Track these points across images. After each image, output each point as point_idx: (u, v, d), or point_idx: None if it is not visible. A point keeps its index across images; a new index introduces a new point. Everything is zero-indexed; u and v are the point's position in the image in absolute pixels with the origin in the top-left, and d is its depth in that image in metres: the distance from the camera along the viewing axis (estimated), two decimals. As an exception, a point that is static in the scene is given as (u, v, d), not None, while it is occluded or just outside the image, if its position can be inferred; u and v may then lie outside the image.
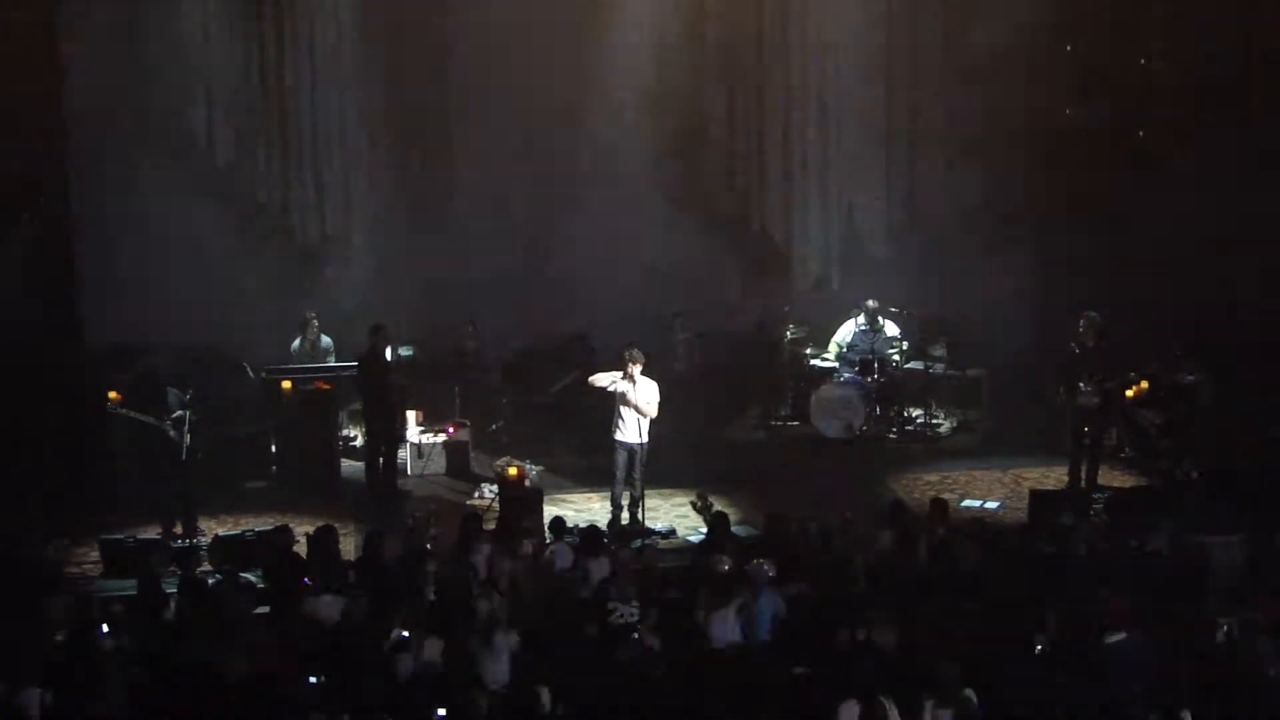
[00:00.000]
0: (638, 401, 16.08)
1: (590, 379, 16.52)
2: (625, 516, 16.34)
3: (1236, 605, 12.34)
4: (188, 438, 15.64)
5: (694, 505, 15.17)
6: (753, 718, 10.85)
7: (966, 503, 16.91)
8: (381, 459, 17.49)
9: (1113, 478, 17.40)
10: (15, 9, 18.43)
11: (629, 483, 16.32)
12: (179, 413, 15.68)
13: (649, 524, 16.15)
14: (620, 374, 16.13)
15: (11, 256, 18.41)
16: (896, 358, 19.93)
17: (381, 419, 17.46)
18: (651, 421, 16.20)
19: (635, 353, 16.15)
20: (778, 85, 22.14)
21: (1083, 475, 16.96)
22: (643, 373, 16.16)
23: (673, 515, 16.56)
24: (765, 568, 12.76)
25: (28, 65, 18.65)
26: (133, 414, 15.65)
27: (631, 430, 16.16)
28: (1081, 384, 16.74)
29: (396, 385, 17.80)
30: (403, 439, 18.28)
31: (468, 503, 17.21)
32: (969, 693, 10.68)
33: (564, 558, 13.76)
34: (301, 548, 14.18)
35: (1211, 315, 19.61)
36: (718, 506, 15.59)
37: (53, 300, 18.76)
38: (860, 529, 14.20)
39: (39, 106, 18.80)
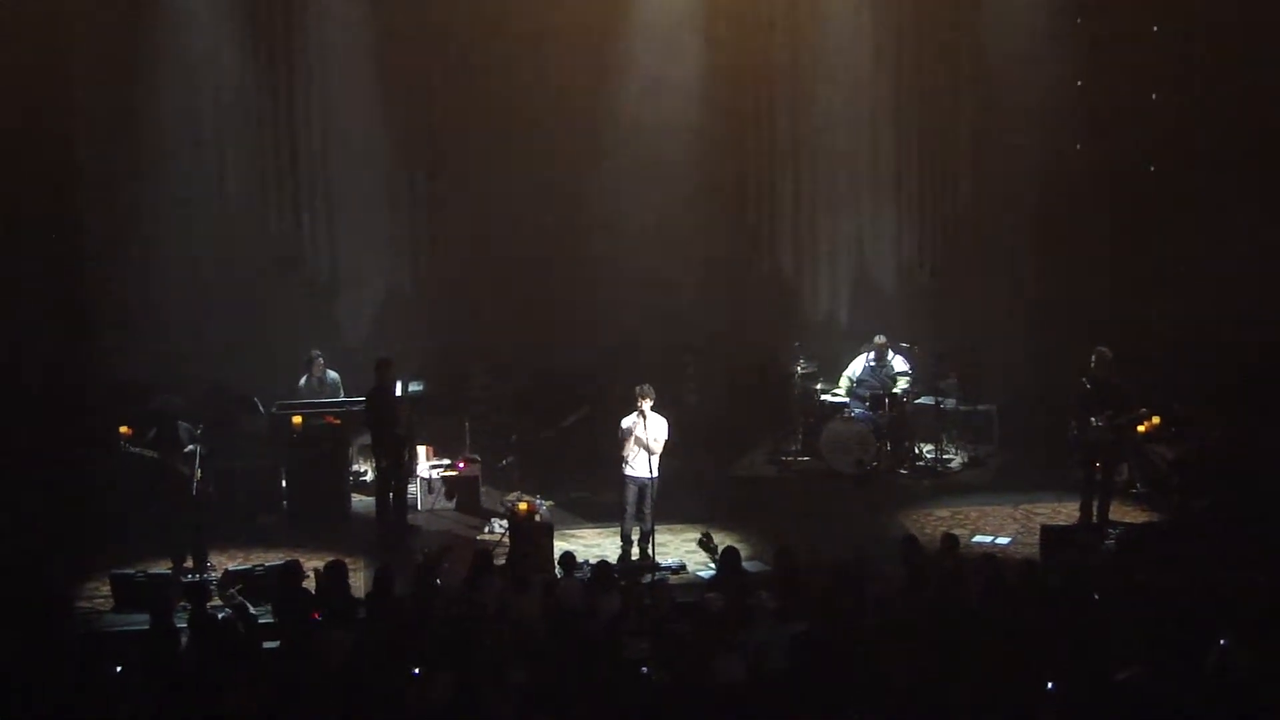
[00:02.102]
0: (648, 437, 16.10)
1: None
2: (635, 552, 16.32)
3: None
4: (198, 472, 15.66)
5: (700, 544, 15.14)
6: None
7: (978, 538, 16.87)
8: (391, 494, 17.46)
9: (1124, 513, 17.35)
10: (26, 49, 18.60)
11: (639, 518, 16.31)
12: (190, 447, 15.71)
13: (659, 559, 16.13)
14: (634, 414, 16.20)
15: (24, 292, 18.51)
16: (900, 391, 19.88)
17: (390, 454, 17.44)
18: (662, 456, 16.20)
19: (645, 388, 16.18)
20: (788, 120, 22.23)
21: (1094, 510, 16.92)
22: (653, 409, 16.19)
23: (683, 550, 16.52)
24: (767, 601, 12.73)
25: (39, 104, 18.81)
26: (142, 451, 15.65)
27: (641, 465, 16.16)
28: (1093, 419, 16.72)
29: (405, 420, 17.78)
30: (413, 474, 18.26)
31: (478, 538, 17.20)
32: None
33: (574, 593, 13.73)
34: (311, 582, 14.14)
35: (1224, 351, 19.57)
36: (727, 542, 15.53)
37: (65, 336, 18.85)
38: (871, 564, 14.15)
39: (50, 144, 18.97)
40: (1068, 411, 17.33)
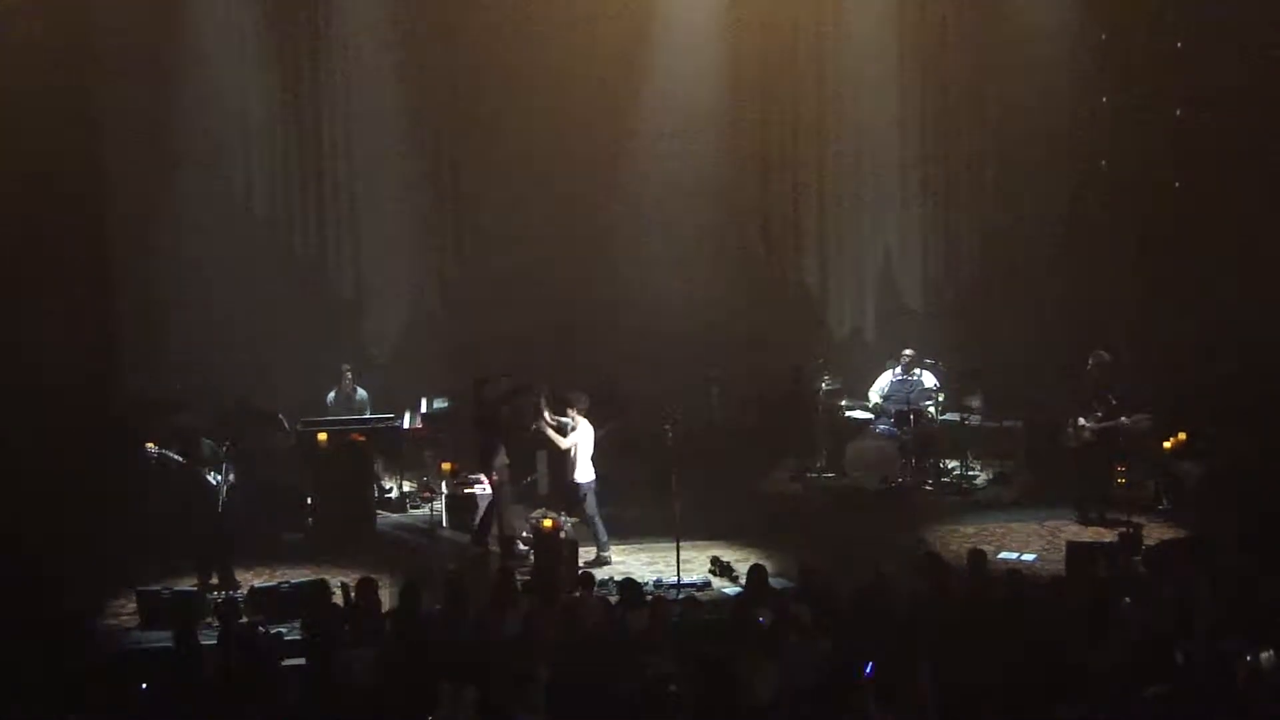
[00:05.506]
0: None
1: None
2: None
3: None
4: (223, 489, 15.70)
5: (711, 571, 15.29)
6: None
7: (1003, 554, 16.80)
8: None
9: (1150, 530, 17.23)
10: (52, 62, 18.69)
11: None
12: (213, 464, 15.77)
13: (684, 577, 16.07)
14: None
15: (50, 308, 18.57)
16: (933, 409, 19.87)
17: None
18: (686, 473, 16.28)
19: (581, 395, 16.78)
20: (812, 137, 22.25)
21: (1091, 513, 17.30)
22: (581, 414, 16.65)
23: (708, 568, 16.49)
24: (804, 615, 12.69)
25: (65, 118, 18.89)
26: (170, 454, 15.71)
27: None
28: (1082, 420, 16.84)
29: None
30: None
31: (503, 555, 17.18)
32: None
33: (597, 610, 13.71)
34: (339, 598, 14.13)
35: (1254, 367, 19.50)
36: (752, 560, 15.49)
37: (90, 352, 18.91)
38: (896, 581, 14.09)
39: (75, 162, 19.03)
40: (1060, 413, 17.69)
